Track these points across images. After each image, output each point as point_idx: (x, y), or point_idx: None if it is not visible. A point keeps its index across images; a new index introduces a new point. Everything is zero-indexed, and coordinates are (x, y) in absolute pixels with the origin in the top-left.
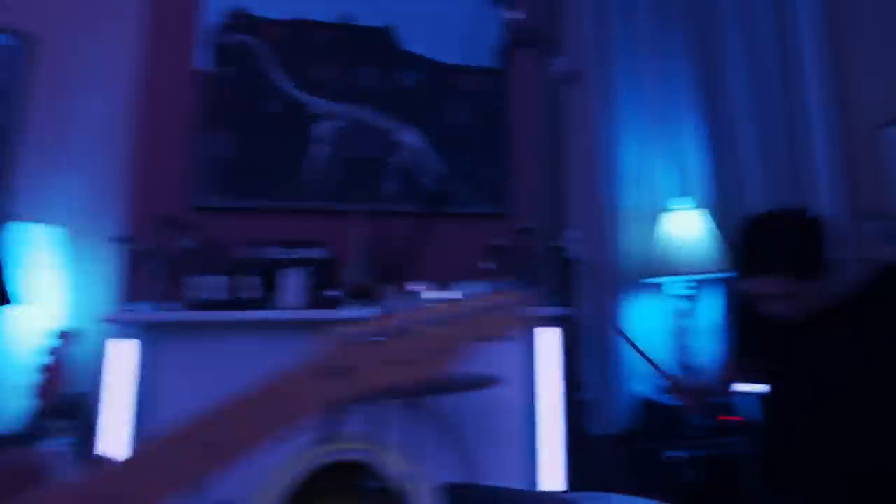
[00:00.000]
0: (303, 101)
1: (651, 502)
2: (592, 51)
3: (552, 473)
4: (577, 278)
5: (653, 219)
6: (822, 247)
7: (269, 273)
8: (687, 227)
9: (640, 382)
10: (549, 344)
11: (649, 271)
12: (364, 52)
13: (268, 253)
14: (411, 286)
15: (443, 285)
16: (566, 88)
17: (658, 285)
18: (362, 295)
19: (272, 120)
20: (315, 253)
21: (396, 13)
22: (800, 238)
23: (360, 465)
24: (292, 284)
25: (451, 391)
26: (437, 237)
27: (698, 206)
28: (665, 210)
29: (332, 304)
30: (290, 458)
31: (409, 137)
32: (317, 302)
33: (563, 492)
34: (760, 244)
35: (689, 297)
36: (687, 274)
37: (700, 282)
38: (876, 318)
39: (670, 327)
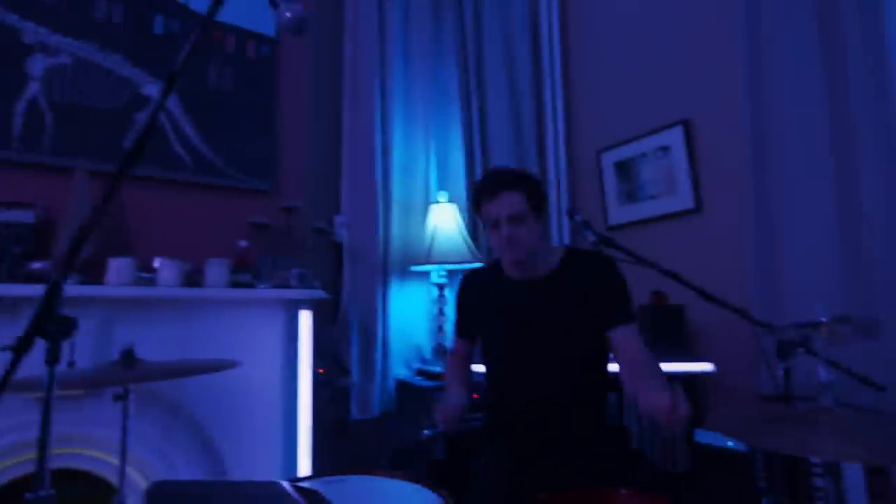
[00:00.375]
0: (13, 24)
1: (393, 480)
2: (371, 43)
3: (304, 459)
4: (344, 263)
5: (419, 210)
6: (543, 191)
7: None
8: (444, 220)
9: (399, 367)
10: (304, 327)
11: (414, 259)
12: None
13: None
14: (156, 261)
15: (192, 262)
16: (296, 35)
17: (424, 273)
18: (79, 269)
19: None
20: (19, 216)
21: None
22: (529, 174)
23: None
24: None
25: (187, 374)
26: (191, 209)
27: (453, 201)
28: (430, 202)
29: (38, 278)
30: None
31: (158, 92)
32: (15, 276)
33: (306, 477)
34: (501, 172)
35: (442, 286)
36: (442, 263)
37: (452, 271)
38: (568, 286)
39: (429, 312)
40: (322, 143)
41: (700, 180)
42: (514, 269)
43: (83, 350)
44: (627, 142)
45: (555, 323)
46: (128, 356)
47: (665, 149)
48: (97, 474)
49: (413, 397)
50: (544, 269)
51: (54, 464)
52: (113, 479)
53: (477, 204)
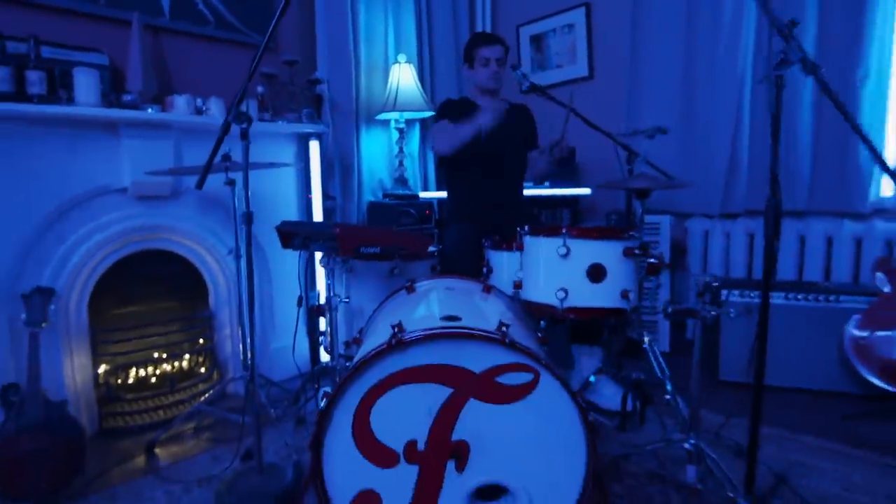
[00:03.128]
0: None
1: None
2: None
3: None
4: (324, 112)
5: (380, 69)
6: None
7: (51, 72)
8: (403, 77)
9: (369, 193)
10: (314, 153)
11: (379, 109)
12: None
13: (40, 53)
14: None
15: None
16: None
17: (386, 121)
18: (156, 100)
19: None
20: (95, 58)
21: None
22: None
23: None
24: (87, 83)
25: (259, 168)
26: (216, 59)
27: (409, 61)
28: (389, 63)
29: (133, 105)
30: None
31: None
32: (111, 102)
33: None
34: (493, 34)
35: (402, 129)
36: (402, 111)
37: (409, 120)
38: (515, 118)
39: (390, 151)
40: (302, 15)
41: (594, 53)
42: (486, 97)
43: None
44: (541, 19)
45: (511, 139)
46: (226, 158)
47: (570, 26)
48: (179, 254)
49: (380, 214)
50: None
51: (153, 245)
52: (189, 256)
53: (474, 45)
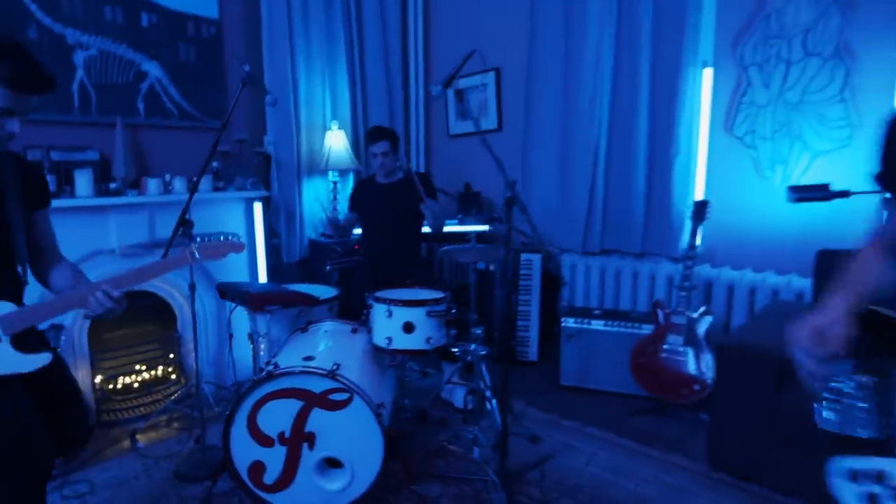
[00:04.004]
0: (60, 31)
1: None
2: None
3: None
4: (272, 168)
5: (319, 131)
6: (398, 140)
7: (59, 172)
8: (336, 140)
9: (310, 231)
10: (257, 213)
11: (317, 166)
12: None
13: (51, 156)
14: (166, 177)
15: (185, 177)
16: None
17: (324, 174)
18: (134, 185)
19: (35, 46)
20: (88, 154)
21: None
22: (393, 131)
23: None
24: (85, 178)
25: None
26: (180, 143)
27: (342, 127)
28: (327, 127)
29: (118, 192)
30: None
31: (152, 68)
32: (103, 191)
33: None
34: (380, 128)
35: (335, 182)
36: (335, 169)
37: (343, 172)
38: (403, 189)
39: (327, 198)
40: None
41: (503, 109)
42: (381, 178)
43: (142, 232)
44: (464, 76)
45: (399, 206)
46: (187, 224)
47: (484, 85)
48: (160, 295)
49: (317, 249)
50: (393, 179)
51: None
52: (161, 293)
53: (367, 142)
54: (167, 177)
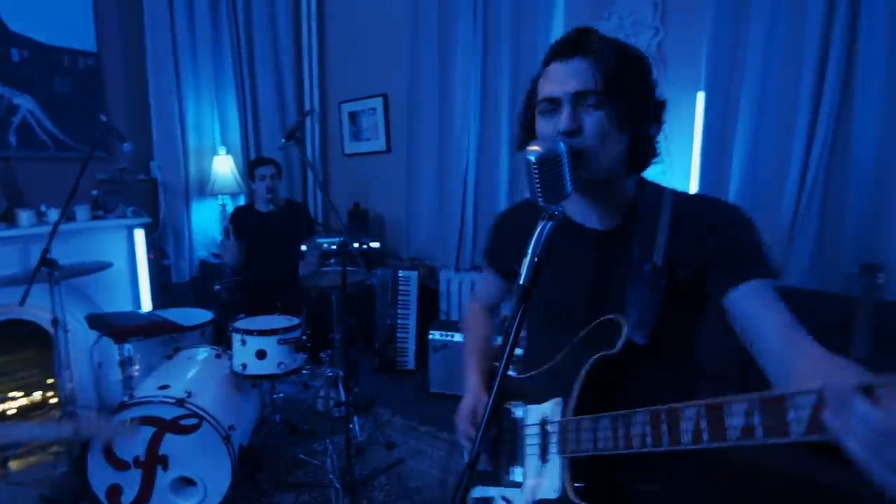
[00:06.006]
0: None
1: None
2: (166, 43)
3: (146, 304)
4: (159, 192)
5: (208, 155)
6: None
7: None
8: (222, 165)
9: (201, 250)
10: (139, 239)
11: (205, 188)
12: None
13: None
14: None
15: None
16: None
17: (213, 195)
18: (4, 218)
19: None
20: None
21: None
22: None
23: None
24: None
25: (83, 273)
26: (56, 174)
27: (229, 152)
28: (215, 152)
29: None
30: None
31: (24, 101)
32: None
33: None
34: (267, 158)
35: (224, 204)
36: (221, 194)
37: (233, 195)
38: (284, 216)
39: (217, 218)
40: (139, 118)
41: (390, 132)
42: (262, 206)
43: (13, 264)
44: (356, 100)
45: (280, 234)
46: (51, 264)
47: (374, 109)
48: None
49: (207, 269)
50: (272, 208)
51: (12, 316)
52: (39, 320)
53: (253, 166)
54: (42, 207)
